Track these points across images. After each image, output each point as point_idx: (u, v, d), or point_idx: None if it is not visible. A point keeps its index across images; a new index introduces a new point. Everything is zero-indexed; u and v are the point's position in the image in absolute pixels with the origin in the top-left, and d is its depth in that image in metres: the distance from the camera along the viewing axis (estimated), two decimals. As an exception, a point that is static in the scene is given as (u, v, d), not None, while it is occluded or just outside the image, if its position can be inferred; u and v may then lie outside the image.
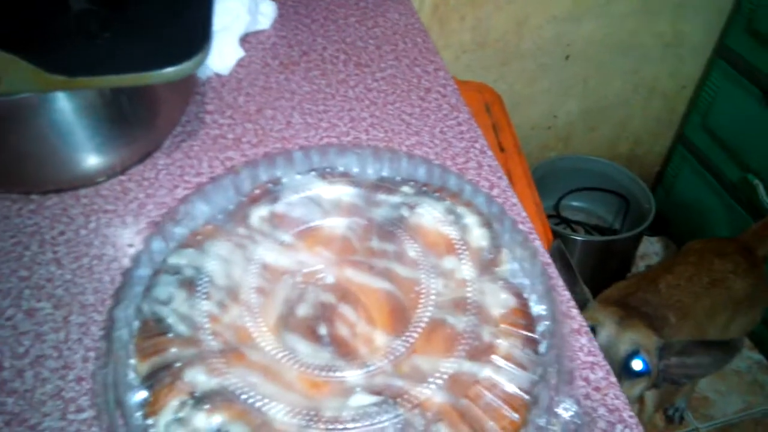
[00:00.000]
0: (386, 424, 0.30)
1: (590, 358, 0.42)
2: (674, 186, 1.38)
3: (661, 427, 1.13)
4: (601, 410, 0.40)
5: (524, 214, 0.50)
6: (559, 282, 0.46)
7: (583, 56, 1.19)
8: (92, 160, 0.49)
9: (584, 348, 0.43)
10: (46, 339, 0.42)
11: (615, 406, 0.40)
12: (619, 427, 0.39)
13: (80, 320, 0.43)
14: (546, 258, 0.46)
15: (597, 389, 0.41)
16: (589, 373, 0.41)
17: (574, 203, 1.40)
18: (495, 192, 0.51)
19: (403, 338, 0.35)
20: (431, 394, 0.32)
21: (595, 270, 1.27)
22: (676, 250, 1.39)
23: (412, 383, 0.32)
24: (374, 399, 0.32)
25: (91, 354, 0.41)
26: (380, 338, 0.35)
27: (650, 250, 1.42)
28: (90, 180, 0.51)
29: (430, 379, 0.33)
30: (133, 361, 0.33)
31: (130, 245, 0.47)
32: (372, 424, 0.30)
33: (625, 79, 1.26)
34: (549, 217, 1.30)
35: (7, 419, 0.38)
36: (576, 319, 0.44)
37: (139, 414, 0.31)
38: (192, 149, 0.54)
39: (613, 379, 0.41)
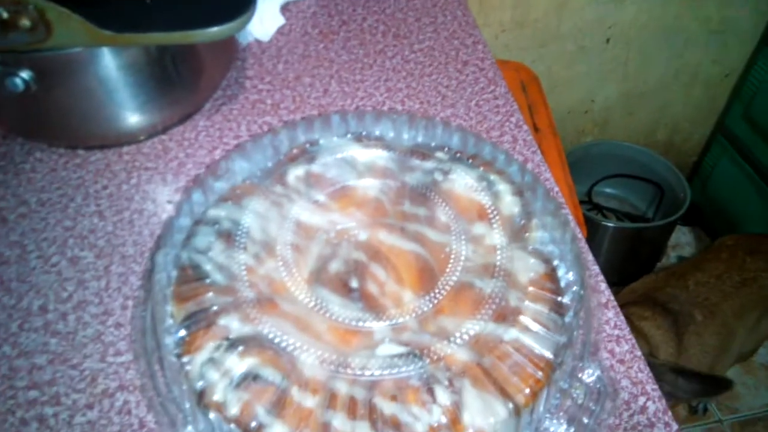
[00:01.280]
0: (412, 374, 0.31)
1: (616, 332, 0.42)
2: (711, 177, 1.35)
3: (683, 417, 1.13)
4: (625, 382, 0.40)
5: (557, 189, 0.50)
6: (589, 256, 0.46)
7: (624, 40, 1.16)
8: (135, 118, 0.50)
9: (610, 321, 0.43)
10: (88, 286, 0.44)
11: (639, 379, 0.40)
12: (642, 399, 0.39)
13: (120, 270, 0.45)
14: (576, 229, 0.46)
15: (621, 362, 0.41)
16: (615, 345, 0.42)
17: (608, 190, 1.38)
18: (528, 166, 0.51)
19: (430, 298, 0.36)
20: (456, 351, 0.33)
21: (625, 258, 1.26)
22: (709, 242, 1.37)
23: (437, 340, 0.33)
24: (401, 349, 0.33)
25: (130, 302, 0.43)
26: (408, 297, 0.36)
27: (682, 240, 1.40)
28: (132, 138, 0.52)
29: (455, 338, 0.33)
30: (170, 307, 0.35)
31: (169, 202, 0.49)
32: (398, 373, 0.31)
33: (667, 65, 1.23)
34: (581, 203, 1.29)
35: (51, 358, 0.40)
36: (604, 293, 0.44)
37: (175, 353, 0.32)
38: (231, 113, 0.55)
39: (638, 353, 0.42)
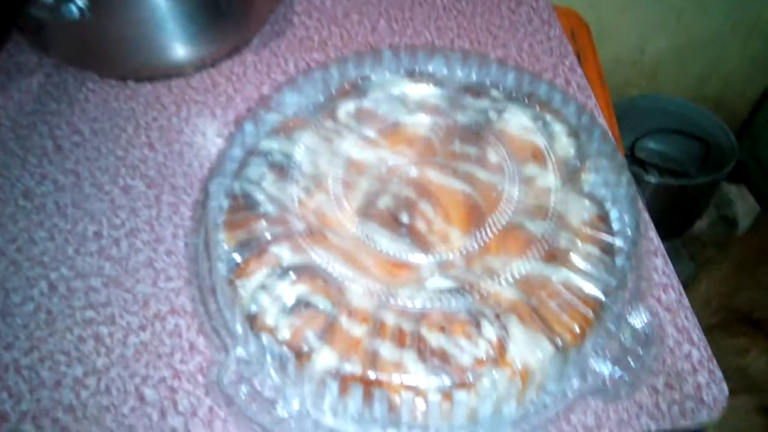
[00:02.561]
0: (460, 308, 0.32)
1: (664, 279, 0.42)
2: (762, 135, 1.30)
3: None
4: (671, 329, 0.40)
5: (609, 134, 0.49)
6: (641, 204, 0.45)
7: (680, -13, 1.11)
8: (185, 50, 0.50)
9: (659, 269, 0.42)
10: (139, 214, 0.45)
11: (684, 327, 0.40)
12: (687, 346, 0.39)
13: (170, 200, 0.45)
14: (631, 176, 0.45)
15: (668, 309, 0.41)
16: (662, 293, 0.41)
17: (651, 145, 1.34)
18: (587, 110, 0.50)
19: (478, 237, 0.36)
20: (503, 290, 0.33)
21: (666, 214, 1.24)
22: (753, 202, 1.33)
23: (484, 278, 0.33)
24: (449, 284, 0.33)
25: (180, 231, 0.44)
26: (456, 236, 0.36)
27: (726, 198, 1.36)
28: (181, 70, 0.52)
29: (503, 277, 0.33)
30: (223, 234, 0.35)
31: (219, 135, 0.49)
32: (446, 306, 0.32)
33: (724, 16, 1.17)
34: (625, 157, 1.26)
35: (105, 281, 0.42)
36: (653, 241, 0.44)
37: (228, 279, 0.33)
38: (279, 48, 0.55)
39: (686, 302, 0.41)
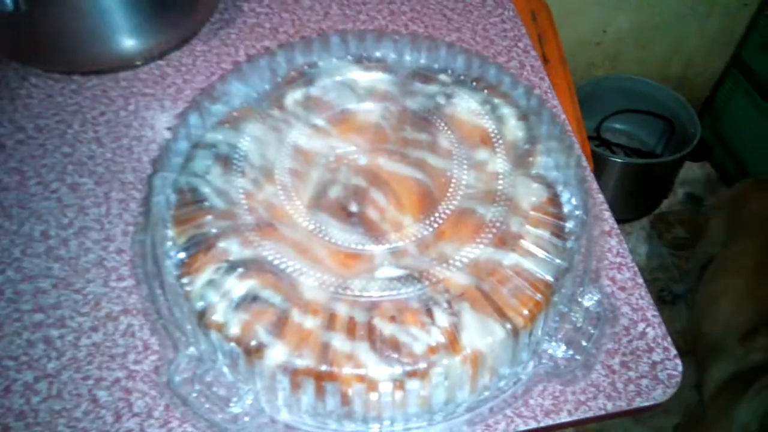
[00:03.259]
0: (411, 295, 0.31)
1: (618, 259, 0.42)
2: (724, 112, 1.32)
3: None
4: (625, 309, 0.40)
5: (563, 116, 0.49)
6: (594, 185, 0.45)
7: (639, -33, 1.11)
8: (131, 42, 0.49)
9: (613, 249, 0.43)
10: (88, 212, 0.44)
11: (639, 306, 0.40)
12: (642, 325, 0.39)
13: (120, 197, 0.44)
14: (582, 155, 0.45)
15: (622, 288, 0.41)
16: (616, 273, 0.42)
17: (617, 125, 1.35)
18: (536, 92, 0.50)
19: (430, 223, 0.35)
20: (455, 275, 0.33)
21: (633, 194, 1.25)
22: (717, 179, 1.36)
23: (436, 264, 0.33)
24: (400, 272, 0.33)
25: (131, 228, 0.43)
26: (408, 223, 0.36)
27: (690, 176, 1.38)
28: (129, 63, 0.51)
29: (454, 261, 0.33)
30: (170, 231, 0.35)
31: (168, 128, 0.48)
32: (397, 295, 0.31)
33: (684, -6, 1.18)
34: (589, 138, 1.26)
35: (54, 282, 0.40)
36: (608, 221, 0.44)
37: (175, 276, 0.33)
38: (229, 37, 0.54)
39: (640, 280, 0.41)
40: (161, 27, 0.50)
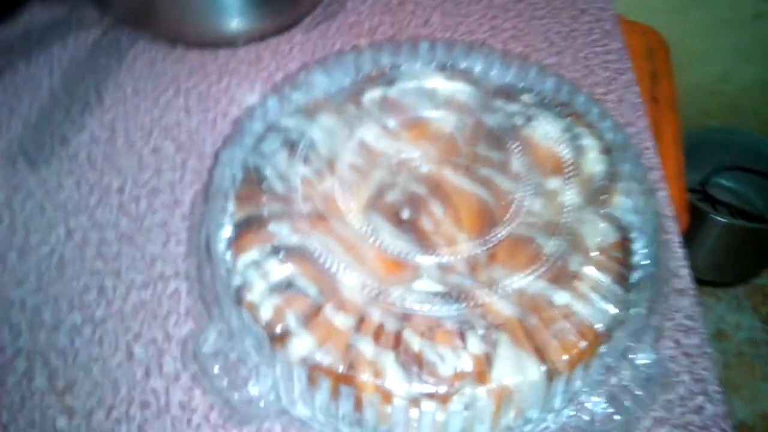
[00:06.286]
0: (447, 315, 0.30)
1: (687, 322, 0.39)
2: None
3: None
4: (685, 377, 0.37)
5: (656, 160, 0.46)
6: (676, 237, 0.42)
7: (778, 18, 1.03)
8: (236, 23, 0.51)
9: (684, 310, 0.39)
10: (163, 176, 0.45)
11: (702, 377, 0.37)
12: (701, 398, 0.36)
13: (196, 166, 0.46)
14: (665, 204, 0.42)
15: (686, 354, 0.37)
16: (683, 336, 0.38)
17: (725, 182, 1.26)
18: (629, 130, 0.47)
19: (484, 243, 0.34)
20: (497, 302, 0.31)
21: (731, 257, 1.16)
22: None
23: (480, 286, 0.31)
24: (439, 287, 0.31)
25: (199, 199, 0.44)
26: (462, 239, 0.34)
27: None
28: (230, 42, 0.53)
29: (500, 288, 0.31)
30: (227, 205, 0.35)
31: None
32: (432, 311, 0.30)
33: (825, 53, 1.08)
34: (693, 191, 1.18)
35: (119, 236, 0.42)
36: (684, 279, 0.40)
37: (222, 249, 0.33)
38: (329, 31, 0.54)
39: (709, 349, 0.38)
40: (267, 12, 0.52)
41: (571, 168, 0.36)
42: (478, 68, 0.39)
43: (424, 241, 0.34)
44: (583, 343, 0.29)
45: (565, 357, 0.29)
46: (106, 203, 0.44)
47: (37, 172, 0.45)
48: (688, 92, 1.15)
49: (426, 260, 0.34)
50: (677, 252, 0.41)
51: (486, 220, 0.35)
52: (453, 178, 0.36)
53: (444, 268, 0.33)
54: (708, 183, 1.25)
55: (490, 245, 0.34)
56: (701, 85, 1.15)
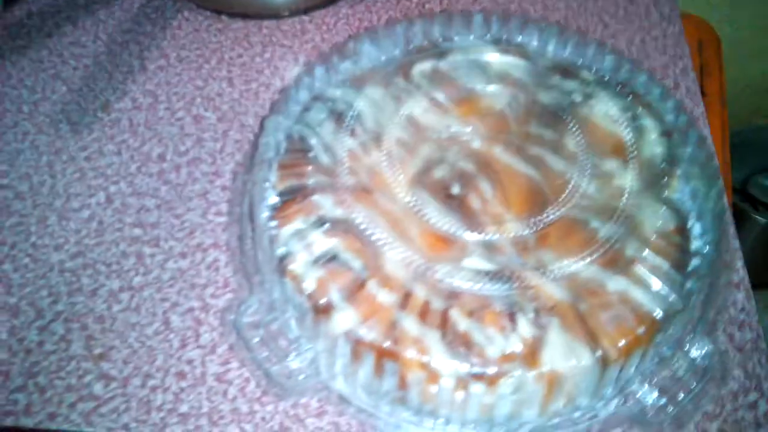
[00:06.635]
0: (496, 294, 0.29)
1: (742, 316, 0.37)
2: None
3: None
4: (738, 372, 0.35)
5: (713, 150, 0.44)
6: (732, 228, 0.40)
7: (837, 13, 0.99)
8: (281, -7, 0.50)
9: (738, 304, 0.37)
10: (204, 145, 0.45)
11: (756, 373, 0.35)
12: (754, 395, 0.34)
13: (237, 137, 0.45)
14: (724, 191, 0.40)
15: (740, 350, 0.36)
16: (736, 330, 0.36)
17: (766, 182, 1.22)
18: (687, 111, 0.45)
19: (534, 224, 0.32)
20: (549, 284, 0.30)
21: (769, 260, 1.12)
22: None
23: (532, 269, 0.30)
24: (490, 266, 0.30)
25: (240, 169, 0.43)
26: (510, 219, 0.33)
27: None
28: (275, 12, 0.52)
29: (552, 271, 0.30)
30: (272, 174, 0.34)
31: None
32: (482, 290, 0.29)
33: None
34: (733, 190, 1.15)
35: (158, 203, 0.42)
36: (738, 272, 0.39)
37: (266, 218, 0.32)
38: (375, 4, 0.53)
39: (763, 345, 0.36)
40: (313, -17, 0.51)
41: (630, 149, 0.34)
42: (534, 43, 0.37)
43: (470, 219, 0.33)
44: (641, 329, 0.28)
45: (621, 343, 0.28)
46: (146, 171, 0.43)
47: (80, 137, 0.45)
48: (739, 89, 1.11)
49: (471, 237, 0.32)
50: (733, 242, 0.39)
51: (536, 200, 0.34)
52: (503, 156, 0.35)
53: (491, 248, 0.32)
54: (749, 182, 1.21)
55: (540, 227, 0.33)
56: (753, 82, 1.11)
